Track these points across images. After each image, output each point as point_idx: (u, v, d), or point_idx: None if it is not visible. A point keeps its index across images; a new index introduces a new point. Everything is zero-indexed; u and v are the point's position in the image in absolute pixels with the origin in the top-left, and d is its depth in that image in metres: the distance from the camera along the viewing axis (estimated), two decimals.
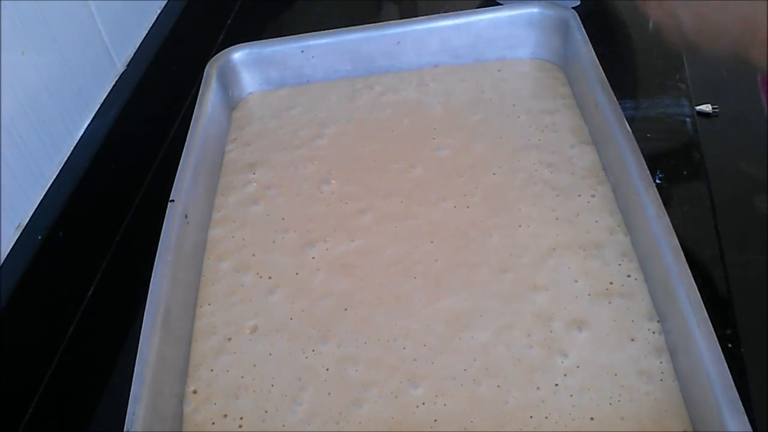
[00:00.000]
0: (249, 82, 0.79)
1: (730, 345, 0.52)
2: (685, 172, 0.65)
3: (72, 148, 0.67)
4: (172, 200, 0.61)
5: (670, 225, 0.51)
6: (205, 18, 0.91)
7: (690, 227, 0.60)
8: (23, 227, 0.60)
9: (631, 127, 0.60)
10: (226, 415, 0.51)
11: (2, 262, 0.57)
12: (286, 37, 0.78)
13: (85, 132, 0.69)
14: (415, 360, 0.52)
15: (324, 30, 0.78)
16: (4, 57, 0.57)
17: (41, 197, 0.62)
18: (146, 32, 0.80)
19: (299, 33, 0.78)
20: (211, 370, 0.54)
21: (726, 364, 0.43)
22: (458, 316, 0.54)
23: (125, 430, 0.47)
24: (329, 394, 0.51)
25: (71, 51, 0.67)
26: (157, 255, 0.57)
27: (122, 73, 0.75)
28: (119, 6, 0.75)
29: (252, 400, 0.52)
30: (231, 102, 0.78)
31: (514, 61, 0.76)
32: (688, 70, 0.76)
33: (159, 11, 0.83)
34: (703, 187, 0.63)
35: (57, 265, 0.61)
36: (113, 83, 0.73)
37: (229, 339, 0.56)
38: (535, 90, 0.73)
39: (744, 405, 0.47)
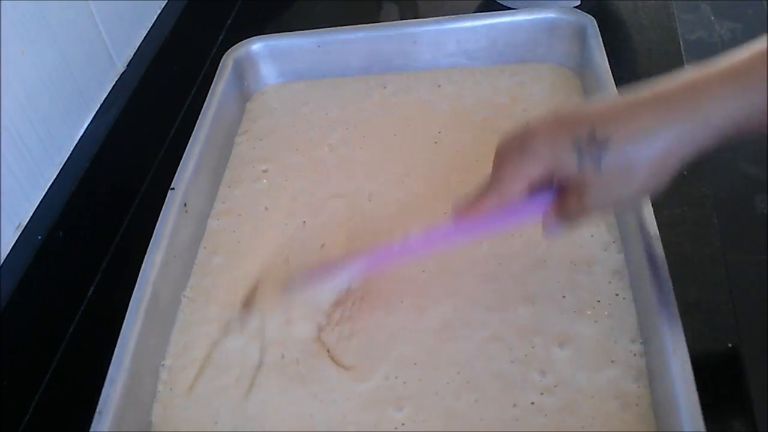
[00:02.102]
0: (265, 74, 0.79)
1: (730, 345, 0.52)
2: (685, 172, 0.65)
3: (72, 148, 0.67)
4: (173, 188, 0.61)
5: (660, 245, 0.50)
6: (205, 18, 0.91)
7: (690, 227, 0.60)
8: (23, 227, 0.60)
9: None
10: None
11: (2, 262, 0.57)
12: (304, 31, 0.78)
13: (85, 132, 0.69)
14: (405, 383, 0.51)
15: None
16: (4, 57, 0.57)
17: (41, 197, 0.62)
18: (146, 32, 0.80)
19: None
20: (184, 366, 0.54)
21: (696, 395, 0.43)
22: (445, 326, 0.54)
23: (97, 410, 0.47)
24: None
25: (71, 51, 0.67)
26: (151, 241, 0.57)
27: (122, 73, 0.75)
28: (119, 6, 0.75)
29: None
30: (246, 93, 0.78)
31: (531, 65, 0.75)
32: None
33: (159, 11, 0.83)
34: (703, 187, 0.63)
35: (57, 265, 0.61)
36: (113, 83, 0.73)
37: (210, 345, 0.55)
38: (549, 95, 0.72)
39: (744, 405, 0.47)
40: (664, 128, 0.38)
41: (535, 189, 0.44)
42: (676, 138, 0.38)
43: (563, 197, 0.44)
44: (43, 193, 0.62)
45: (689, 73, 0.39)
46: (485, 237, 0.48)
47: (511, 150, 0.44)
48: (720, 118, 0.38)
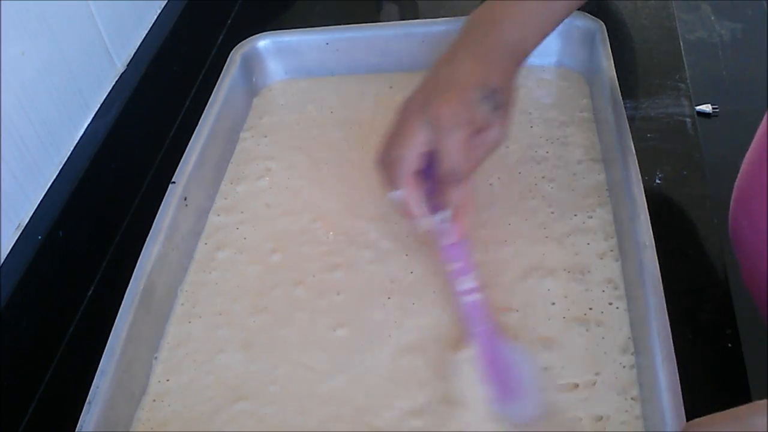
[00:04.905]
0: (273, 70, 0.79)
1: (730, 345, 0.52)
2: (685, 172, 0.65)
3: (72, 148, 0.67)
4: (173, 182, 0.61)
5: (655, 255, 0.50)
6: (205, 18, 0.91)
7: (690, 227, 0.60)
8: (23, 227, 0.60)
9: (631, 127, 0.60)
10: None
11: (2, 262, 0.57)
12: (313, 28, 0.79)
13: (85, 132, 0.69)
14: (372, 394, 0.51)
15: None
16: (4, 57, 0.57)
17: (41, 197, 0.62)
18: (146, 32, 0.80)
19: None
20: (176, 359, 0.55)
21: (683, 409, 0.42)
22: (420, 341, 0.53)
23: (87, 401, 0.48)
24: None
25: (71, 51, 0.67)
26: (149, 233, 0.57)
27: (122, 73, 0.75)
28: (119, 6, 0.75)
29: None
30: (253, 89, 0.78)
31: (539, 68, 0.75)
32: (688, 70, 0.76)
33: (159, 11, 0.83)
34: (703, 187, 0.63)
35: (57, 265, 0.61)
36: (113, 83, 0.73)
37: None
38: (556, 99, 0.71)
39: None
40: (509, 65, 0.51)
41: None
42: (515, 67, 0.51)
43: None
44: (43, 193, 0.62)
45: (485, 12, 0.52)
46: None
47: (442, 135, 0.48)
48: (524, 47, 0.52)
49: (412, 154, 0.48)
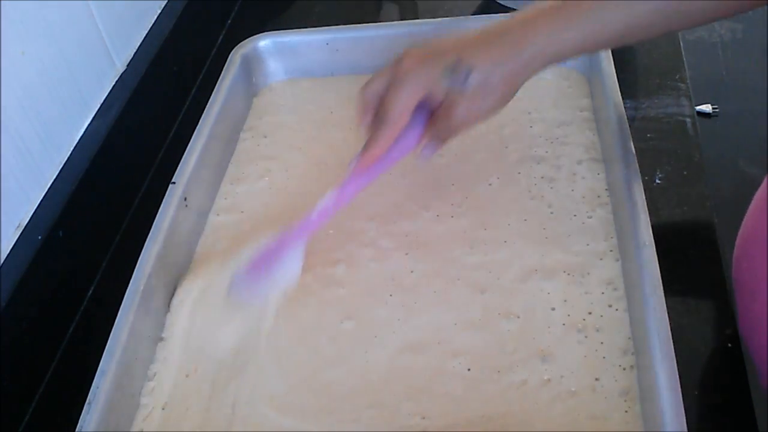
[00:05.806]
0: (273, 70, 0.79)
1: (730, 345, 0.52)
2: (685, 172, 0.65)
3: (72, 148, 0.67)
4: (173, 182, 0.62)
5: (655, 255, 0.50)
6: (205, 18, 0.91)
7: (690, 227, 0.60)
8: (23, 227, 0.60)
9: (631, 127, 0.60)
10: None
11: (2, 262, 0.57)
12: (313, 28, 0.79)
13: (85, 132, 0.69)
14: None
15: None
16: (4, 57, 0.57)
17: (41, 197, 0.62)
18: (146, 32, 0.80)
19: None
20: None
21: (683, 409, 0.42)
22: (421, 342, 0.53)
23: (87, 402, 0.48)
24: None
25: (71, 51, 0.67)
26: (149, 234, 0.57)
27: (122, 73, 0.75)
28: (119, 6, 0.75)
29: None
30: (253, 89, 0.78)
31: None
32: (688, 70, 0.76)
33: (159, 11, 0.83)
34: (703, 187, 0.63)
35: (57, 265, 0.61)
36: (113, 83, 0.73)
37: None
38: (556, 99, 0.71)
39: (744, 405, 0.47)
40: (509, 59, 0.49)
41: (411, 117, 0.52)
42: (518, 66, 0.49)
43: (433, 121, 0.52)
44: (43, 193, 0.62)
45: (528, 10, 0.50)
46: (383, 172, 0.55)
47: (394, 82, 0.50)
48: (546, 50, 0.49)
49: (369, 89, 0.53)
